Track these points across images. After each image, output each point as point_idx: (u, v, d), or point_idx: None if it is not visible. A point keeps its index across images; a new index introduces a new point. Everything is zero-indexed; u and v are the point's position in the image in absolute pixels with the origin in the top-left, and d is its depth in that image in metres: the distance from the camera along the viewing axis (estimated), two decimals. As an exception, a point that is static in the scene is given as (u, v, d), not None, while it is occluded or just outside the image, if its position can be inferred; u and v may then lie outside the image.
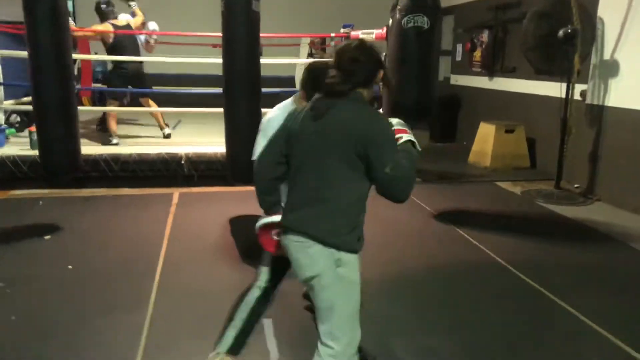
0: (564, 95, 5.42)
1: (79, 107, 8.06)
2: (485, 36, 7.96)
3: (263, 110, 4.96)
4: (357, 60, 1.93)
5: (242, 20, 4.24)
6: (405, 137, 1.94)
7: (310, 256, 1.91)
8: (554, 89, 5.72)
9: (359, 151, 1.83)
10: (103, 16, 6.30)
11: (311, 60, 8.50)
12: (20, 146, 5.63)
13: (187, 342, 2.71)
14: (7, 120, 6.64)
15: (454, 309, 3.18)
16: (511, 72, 7.34)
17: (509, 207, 5.32)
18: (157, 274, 3.54)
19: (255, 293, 2.38)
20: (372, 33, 5.97)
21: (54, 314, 2.98)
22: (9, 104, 6.06)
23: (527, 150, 6.85)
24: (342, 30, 6.86)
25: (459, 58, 8.93)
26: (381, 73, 2.01)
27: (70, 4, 10.53)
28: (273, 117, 2.58)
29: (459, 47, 8.85)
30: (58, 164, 4.14)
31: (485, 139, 6.95)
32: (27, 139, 5.55)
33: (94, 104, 9.00)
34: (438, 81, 5.12)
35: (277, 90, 7.24)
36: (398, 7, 4.56)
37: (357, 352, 2.02)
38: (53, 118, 4.06)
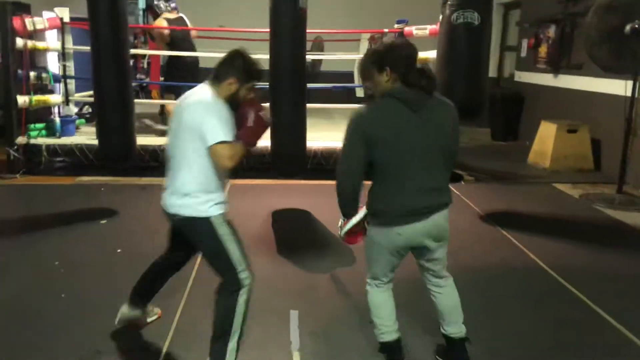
0: (629, 94, 5.11)
1: (148, 100, 8.63)
2: (551, 31, 7.62)
3: (309, 105, 5.07)
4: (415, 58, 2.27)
5: (288, 16, 4.31)
6: None
7: (447, 220, 2.34)
8: (620, 87, 5.40)
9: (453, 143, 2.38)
10: (158, 12, 6.46)
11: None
12: (88, 135, 6.02)
13: (204, 331, 2.81)
14: (79, 111, 7.12)
15: (487, 312, 3.10)
16: (578, 69, 6.98)
17: (563, 210, 5.09)
18: (197, 260, 3.69)
19: (245, 294, 2.41)
20: (425, 29, 5.88)
21: (98, 294, 3.20)
22: (80, 96, 6.48)
23: (591, 152, 6.52)
24: (395, 25, 6.79)
25: (523, 54, 8.60)
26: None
27: (142, 1, 11.08)
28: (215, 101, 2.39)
29: (524, 43, 8.52)
30: (114, 152, 4.41)
31: (546, 138, 6.67)
32: (95, 129, 5.92)
33: (162, 97, 9.44)
34: (488, 79, 4.95)
35: (328, 86, 7.33)
36: (448, 2, 4.46)
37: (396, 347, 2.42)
38: (111, 109, 4.33)
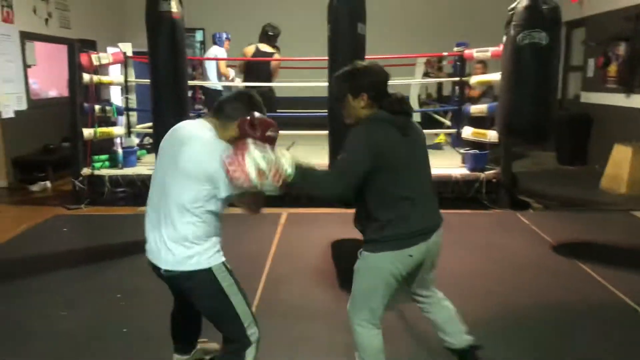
0: None
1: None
2: (621, 49, 7.22)
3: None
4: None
5: (347, 43, 4.24)
6: None
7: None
8: None
9: None
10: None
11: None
12: (149, 166, 6.12)
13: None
14: (141, 142, 7.30)
15: (565, 356, 2.83)
16: (653, 88, 6.56)
17: (646, 241, 4.70)
18: (259, 290, 3.61)
19: (254, 351, 2.28)
20: (487, 51, 5.68)
21: (161, 329, 3.13)
22: (141, 127, 6.64)
23: (672, 176, 6.05)
24: (455, 48, 6.63)
25: (590, 74, 8.20)
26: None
27: (200, 34, 11.43)
28: None
29: (591, 62, 8.13)
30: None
31: (621, 162, 6.26)
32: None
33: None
34: (557, 102, 4.68)
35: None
36: (513, 22, 4.27)
37: None
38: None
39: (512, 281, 3.77)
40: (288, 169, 2.04)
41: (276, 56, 6.65)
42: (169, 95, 4.39)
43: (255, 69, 6.57)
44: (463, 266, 3.87)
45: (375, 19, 9.84)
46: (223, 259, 2.23)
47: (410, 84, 9.27)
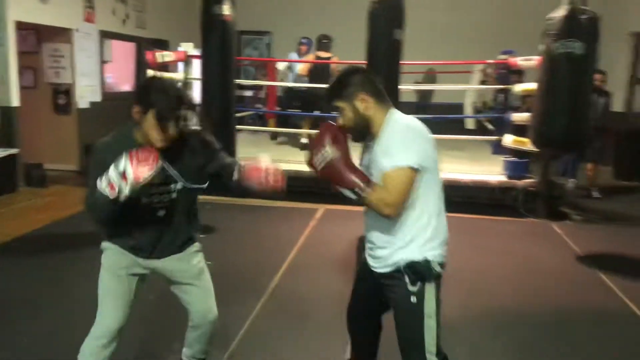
0: None
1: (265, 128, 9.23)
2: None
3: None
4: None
5: (383, 48, 4.45)
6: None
7: None
8: None
9: None
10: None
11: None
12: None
13: (279, 342, 2.96)
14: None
15: (560, 350, 2.91)
16: None
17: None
18: (278, 275, 3.89)
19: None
20: (532, 59, 5.67)
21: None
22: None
23: None
24: (500, 56, 6.63)
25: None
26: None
27: (268, 38, 11.94)
28: None
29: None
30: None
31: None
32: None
33: (278, 126, 10.02)
34: (592, 111, 4.64)
35: (429, 117, 7.29)
36: (550, 31, 4.30)
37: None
38: (215, 132, 4.73)
39: (525, 283, 3.83)
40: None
41: (334, 59, 7.26)
42: (216, 92, 4.77)
43: (318, 72, 7.23)
44: (479, 267, 3.98)
45: (430, 24, 9.97)
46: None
47: (465, 91, 9.31)
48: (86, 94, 7.37)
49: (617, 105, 9.10)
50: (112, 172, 1.91)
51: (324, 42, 7.33)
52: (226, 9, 4.79)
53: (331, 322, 3.13)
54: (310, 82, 7.28)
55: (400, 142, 1.87)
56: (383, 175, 1.84)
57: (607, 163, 8.17)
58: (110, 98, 7.97)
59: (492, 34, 9.84)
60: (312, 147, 2.01)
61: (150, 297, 3.48)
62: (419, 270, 1.88)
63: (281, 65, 8.24)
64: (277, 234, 4.89)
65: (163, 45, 8.81)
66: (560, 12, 4.24)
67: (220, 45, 4.72)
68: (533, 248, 4.64)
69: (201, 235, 4.74)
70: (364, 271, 2.14)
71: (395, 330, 2.01)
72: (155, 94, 1.98)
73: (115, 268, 2.24)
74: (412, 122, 1.96)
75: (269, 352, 2.86)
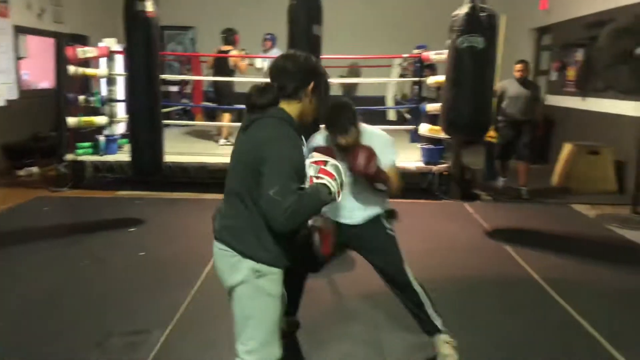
0: (643, 115, 5.16)
1: (192, 122, 9.28)
2: (579, 55, 7.67)
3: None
4: (282, 70, 1.91)
5: (303, 43, 4.67)
6: (325, 179, 1.86)
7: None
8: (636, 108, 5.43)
9: (255, 169, 1.83)
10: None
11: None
12: (129, 154, 6.55)
13: (214, 322, 3.13)
14: (125, 132, 7.74)
15: (467, 313, 3.28)
16: (603, 92, 6.99)
17: (574, 229, 5.14)
18: (210, 263, 4.03)
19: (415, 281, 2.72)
20: (443, 54, 6.11)
21: (117, 288, 3.61)
22: (125, 117, 7.06)
23: (614, 174, 6.49)
24: (414, 51, 7.06)
25: (553, 78, 8.65)
26: (311, 84, 1.92)
27: (191, 32, 11.87)
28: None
29: (553, 67, 8.58)
30: (145, 166, 4.88)
31: (568, 160, 6.72)
32: (134, 148, 6.47)
33: (205, 120, 10.05)
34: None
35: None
36: (454, 27, 4.70)
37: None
38: (142, 128, 4.81)
39: (436, 257, 4.23)
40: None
41: (232, 53, 7.48)
42: (142, 88, 4.82)
43: (217, 65, 7.66)
44: (402, 245, 4.31)
45: (353, 21, 10.36)
46: None
47: (387, 84, 9.75)
48: (2, 92, 7.12)
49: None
50: (335, 173, 1.88)
51: (223, 36, 7.63)
52: (149, 5, 4.85)
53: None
54: (214, 75, 7.69)
55: (390, 144, 2.66)
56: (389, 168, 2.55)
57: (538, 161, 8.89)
58: (29, 95, 7.73)
59: (409, 29, 10.35)
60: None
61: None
62: (389, 215, 2.76)
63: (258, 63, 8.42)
64: (208, 225, 4.99)
65: (82, 40, 8.60)
66: (463, 10, 4.64)
67: (144, 42, 4.76)
68: (448, 226, 5.07)
69: (131, 229, 4.89)
70: None
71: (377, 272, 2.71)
72: None
73: (281, 296, 2.03)
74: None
75: (204, 332, 3.03)
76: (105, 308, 3.31)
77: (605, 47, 5.23)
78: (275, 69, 1.94)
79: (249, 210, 1.88)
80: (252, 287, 1.91)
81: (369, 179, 2.49)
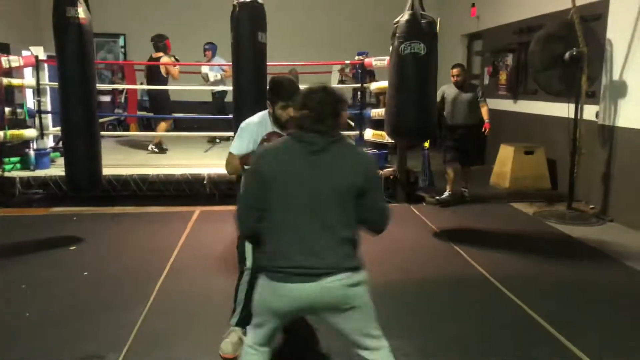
0: (572, 116, 5.46)
1: (128, 132, 8.97)
2: (509, 59, 8.04)
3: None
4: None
5: (249, 50, 4.60)
6: None
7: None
8: (568, 110, 5.72)
9: (360, 187, 2.09)
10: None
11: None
12: (62, 168, 6.19)
13: (172, 340, 3.00)
14: (55, 145, 7.33)
15: (428, 317, 3.32)
16: (533, 94, 7.36)
17: (515, 226, 5.36)
18: (161, 278, 3.89)
19: (247, 276, 2.83)
20: (384, 60, 6.23)
21: (62, 311, 3.37)
22: (56, 130, 6.70)
23: (548, 172, 6.84)
24: (356, 57, 7.16)
25: (486, 82, 9.01)
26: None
27: (121, 40, 11.46)
28: (250, 120, 2.89)
29: (486, 71, 8.94)
30: (82, 181, 4.62)
31: (505, 160, 6.99)
32: (68, 161, 6.13)
33: (140, 130, 9.72)
34: (436, 105, 5.24)
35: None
36: (396, 34, 4.79)
37: None
38: (77, 141, 4.57)
39: (390, 261, 4.27)
40: None
41: (163, 60, 7.40)
42: (77, 98, 4.57)
43: (149, 73, 7.64)
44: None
45: (291, 27, 10.38)
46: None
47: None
48: None
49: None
50: None
51: (153, 43, 7.58)
52: (81, 12, 4.62)
53: (218, 317, 3.24)
54: (149, 84, 7.63)
55: None
56: None
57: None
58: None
59: (348, 35, 10.49)
60: None
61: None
62: None
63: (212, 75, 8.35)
64: (155, 239, 4.83)
65: (3, 49, 8.10)
66: (404, 17, 4.74)
67: (78, 50, 4.53)
68: (397, 229, 5.11)
69: (72, 247, 4.62)
70: None
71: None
72: None
73: None
74: None
75: (162, 351, 2.90)
76: (52, 333, 3.08)
77: (537, 52, 5.50)
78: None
79: (350, 227, 2.02)
80: (365, 285, 2.07)
81: None
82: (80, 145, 4.56)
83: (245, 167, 2.72)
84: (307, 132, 2.00)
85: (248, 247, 2.78)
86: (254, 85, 4.66)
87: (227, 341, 2.84)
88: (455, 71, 6.15)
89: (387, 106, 5.06)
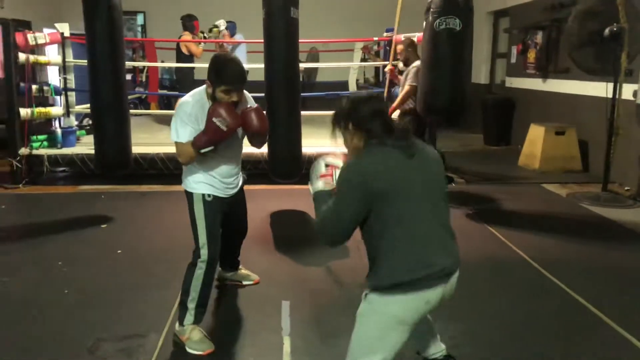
0: (610, 96, 5.29)
1: (146, 111, 8.92)
2: (539, 37, 7.83)
3: (305, 113, 5.28)
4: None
5: (281, 26, 4.50)
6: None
7: None
8: (603, 89, 5.54)
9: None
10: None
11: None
12: (88, 146, 6.18)
13: (213, 323, 2.97)
14: (80, 123, 7.31)
15: (475, 304, 3.24)
16: (565, 73, 7.17)
17: (550, 208, 5.24)
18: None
19: (200, 269, 2.72)
20: (414, 36, 6.07)
21: (100, 289, 3.36)
22: (80, 108, 6.67)
23: (579, 153, 6.69)
24: (385, 34, 7.00)
25: (513, 60, 8.80)
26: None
27: (140, 18, 11.36)
28: (185, 101, 2.69)
29: (514, 49, 8.73)
30: (111, 160, 4.58)
31: (535, 141, 6.84)
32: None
33: (160, 108, 9.67)
34: (471, 83, 5.11)
35: (322, 94, 7.53)
36: (431, 9, 4.65)
37: None
38: (107, 119, 4.52)
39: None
40: (311, 191, 2.11)
41: (185, 37, 7.42)
42: (107, 77, 4.51)
43: (176, 52, 7.67)
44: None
45: (316, 5, 10.19)
46: (204, 191, 2.72)
47: (349, 68, 9.66)
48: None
49: (482, 77, 10.04)
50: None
51: (182, 22, 7.56)
52: (111, -14, 4.53)
53: (254, 293, 3.21)
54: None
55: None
56: None
57: (478, 131, 9.06)
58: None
59: (373, 12, 10.27)
60: None
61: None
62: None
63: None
64: (183, 217, 4.76)
65: (25, 26, 8.05)
66: (440, -8, 4.59)
67: (106, 27, 4.45)
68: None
69: (103, 226, 4.61)
70: (220, 209, 2.81)
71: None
72: None
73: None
74: None
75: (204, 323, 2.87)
76: (91, 312, 3.07)
77: (575, 28, 5.32)
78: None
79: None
80: None
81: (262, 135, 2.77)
82: (110, 122, 4.52)
83: (202, 150, 2.57)
84: (387, 139, 1.92)
85: (206, 237, 2.71)
86: (286, 63, 4.58)
87: (196, 340, 2.66)
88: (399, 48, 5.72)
89: (421, 83, 4.94)
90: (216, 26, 7.77)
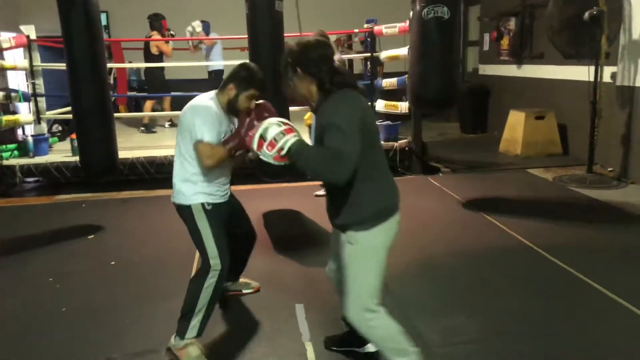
0: (592, 79, 5.35)
1: (116, 114, 8.59)
2: (512, 23, 7.90)
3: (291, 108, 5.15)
4: None
5: (265, 20, 4.35)
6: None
7: None
8: (582, 72, 5.61)
9: None
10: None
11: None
12: (62, 153, 5.92)
13: (216, 327, 2.85)
14: (49, 130, 6.99)
15: (483, 292, 3.22)
16: (539, 59, 7.26)
17: (540, 193, 5.29)
18: (194, 265, 3.70)
19: (213, 278, 2.56)
20: (395, 27, 6.02)
21: (101, 304, 3.18)
22: (50, 114, 6.37)
23: (559, 137, 6.78)
24: (365, 25, 6.93)
25: (486, 48, 8.88)
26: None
27: (103, 17, 10.95)
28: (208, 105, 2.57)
29: (486, 37, 8.80)
30: (97, 165, 4.37)
31: (515, 126, 6.90)
32: (69, 147, 5.84)
33: (129, 111, 9.35)
34: (461, 71, 5.10)
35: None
36: (417, -2, 4.60)
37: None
38: (91, 123, 4.29)
39: (427, 235, 4.15)
40: (287, 146, 2.05)
41: (154, 36, 7.40)
42: (89, 79, 4.28)
43: (144, 52, 7.76)
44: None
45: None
46: (204, 200, 2.57)
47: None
48: None
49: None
50: None
51: (149, 21, 7.60)
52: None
53: (272, 298, 3.10)
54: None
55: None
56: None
57: (454, 120, 9.11)
58: None
59: (353, 3, 10.14)
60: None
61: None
62: None
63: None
64: (173, 223, 4.56)
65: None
66: (425, -20, 4.53)
67: (86, 27, 4.23)
68: (422, 201, 5.02)
69: (90, 237, 4.39)
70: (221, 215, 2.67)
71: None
72: None
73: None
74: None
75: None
76: (95, 328, 2.90)
77: (555, 13, 5.36)
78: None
79: None
80: None
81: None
82: (95, 126, 4.29)
83: (237, 153, 2.50)
84: (344, 84, 2.10)
85: (216, 246, 2.55)
86: (271, 59, 4.43)
87: (195, 356, 2.52)
88: None
89: (410, 73, 4.88)
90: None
